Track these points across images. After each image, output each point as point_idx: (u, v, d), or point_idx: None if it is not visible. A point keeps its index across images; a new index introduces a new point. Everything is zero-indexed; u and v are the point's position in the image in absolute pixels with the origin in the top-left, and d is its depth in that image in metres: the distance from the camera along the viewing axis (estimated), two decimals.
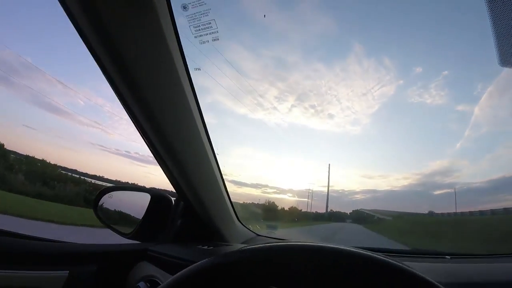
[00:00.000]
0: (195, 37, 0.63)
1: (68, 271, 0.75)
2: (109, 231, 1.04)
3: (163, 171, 0.77)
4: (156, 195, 0.98)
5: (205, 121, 0.76)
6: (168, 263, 0.79)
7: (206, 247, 0.84)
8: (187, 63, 0.62)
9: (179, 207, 0.94)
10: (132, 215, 1.06)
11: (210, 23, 0.62)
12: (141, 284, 0.78)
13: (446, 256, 1.10)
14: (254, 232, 1.24)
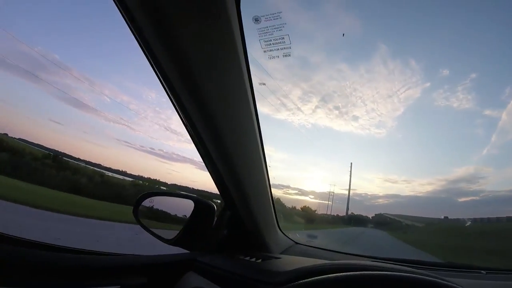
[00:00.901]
0: (265, 51, 0.60)
1: (119, 286, 0.75)
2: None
3: (214, 178, 0.76)
4: (200, 202, 0.97)
5: (261, 130, 0.74)
6: (218, 275, 0.78)
7: (254, 259, 0.81)
8: (251, 76, 0.60)
9: (225, 217, 0.92)
10: (173, 221, 1.06)
11: (283, 38, 0.59)
12: None
13: (482, 271, 1.07)
14: (293, 240, 1.22)
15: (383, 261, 1.11)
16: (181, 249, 1.00)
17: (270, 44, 0.61)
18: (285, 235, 1.16)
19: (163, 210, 1.11)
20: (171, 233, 1.04)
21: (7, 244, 0.68)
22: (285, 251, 1.05)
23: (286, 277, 0.62)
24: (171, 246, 1.01)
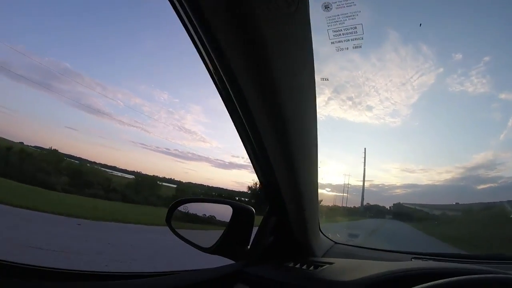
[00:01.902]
0: (332, 43, 0.54)
1: None
2: None
3: (262, 179, 0.70)
4: (238, 207, 0.92)
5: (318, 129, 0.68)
6: (269, 286, 0.72)
7: (305, 267, 0.75)
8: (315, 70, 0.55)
9: (270, 222, 0.86)
10: (210, 227, 1.02)
11: (355, 27, 0.53)
12: None
13: None
14: (333, 240, 1.17)
15: (425, 256, 1.07)
16: (222, 259, 0.95)
17: (340, 34, 0.54)
18: (326, 236, 1.11)
19: (200, 217, 1.07)
20: (207, 241, 0.99)
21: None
22: (327, 253, 0.99)
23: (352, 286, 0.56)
24: (209, 255, 0.97)
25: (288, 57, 0.48)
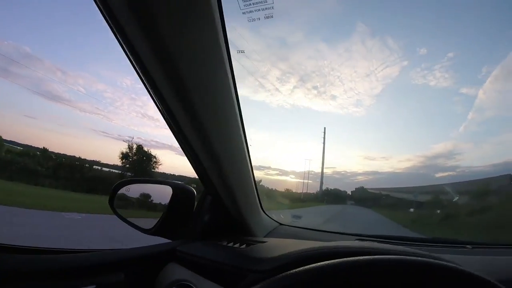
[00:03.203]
0: (244, 13, 0.52)
1: (95, 285, 0.70)
2: None
3: (191, 162, 0.68)
4: (178, 187, 0.90)
5: (241, 107, 0.66)
6: (200, 264, 0.72)
7: (238, 245, 0.75)
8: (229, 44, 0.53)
9: (206, 201, 0.85)
10: (153, 209, 0.99)
11: None
12: None
13: (467, 246, 1.07)
14: (277, 222, 1.18)
15: (369, 238, 1.10)
16: (162, 239, 0.94)
17: (250, 4, 0.52)
18: (269, 216, 1.12)
19: (141, 198, 1.04)
20: (151, 223, 0.97)
21: None
22: (269, 234, 1.00)
23: (272, 263, 0.57)
24: (151, 236, 0.95)
25: (193, 39, 0.45)
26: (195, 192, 0.89)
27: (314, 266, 0.45)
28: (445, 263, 0.44)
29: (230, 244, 0.76)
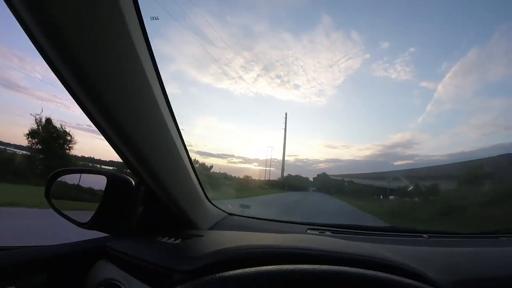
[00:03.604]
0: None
1: (14, 286, 0.62)
2: None
3: (114, 149, 0.61)
4: (114, 177, 0.82)
5: (165, 87, 0.59)
6: (129, 262, 0.66)
7: (173, 239, 0.70)
8: (142, 14, 0.47)
9: (140, 192, 0.79)
10: (90, 201, 0.91)
11: None
12: None
13: (424, 235, 1.07)
14: (226, 212, 1.14)
15: (321, 227, 1.08)
16: (99, 234, 0.87)
17: None
18: (216, 206, 1.07)
19: (78, 189, 0.95)
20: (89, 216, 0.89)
21: None
22: (216, 225, 0.96)
23: (196, 263, 0.53)
24: (88, 231, 0.88)
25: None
26: (133, 183, 0.82)
27: (232, 275, 0.43)
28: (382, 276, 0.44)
29: (165, 239, 0.71)
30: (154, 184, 0.66)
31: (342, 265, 0.46)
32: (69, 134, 12.96)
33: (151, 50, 0.53)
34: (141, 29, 0.49)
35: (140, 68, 0.48)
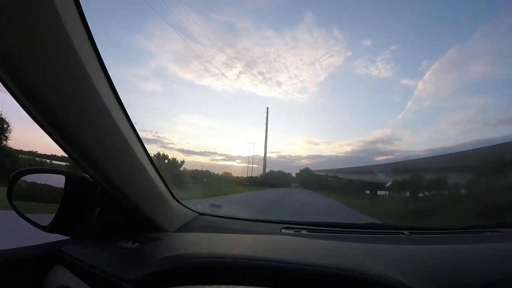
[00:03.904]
0: None
1: None
2: None
3: (60, 147, 0.55)
4: (72, 176, 0.76)
5: (109, 73, 0.53)
6: (82, 268, 0.61)
7: (131, 243, 0.64)
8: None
9: (97, 192, 0.73)
10: (51, 202, 0.85)
11: None
12: None
13: (405, 231, 1.03)
14: (197, 212, 1.08)
15: (297, 226, 1.03)
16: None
17: None
18: (186, 206, 1.01)
19: (40, 190, 0.89)
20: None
21: None
22: (184, 227, 0.89)
23: (144, 271, 0.48)
24: (51, 234, 0.82)
25: None
26: (91, 181, 0.76)
27: None
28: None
29: (123, 243, 0.65)
30: (107, 185, 0.60)
31: (311, 280, 0.43)
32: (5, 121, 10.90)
33: (95, 45, 0.49)
34: (83, 24, 0.45)
35: (80, 65, 0.43)
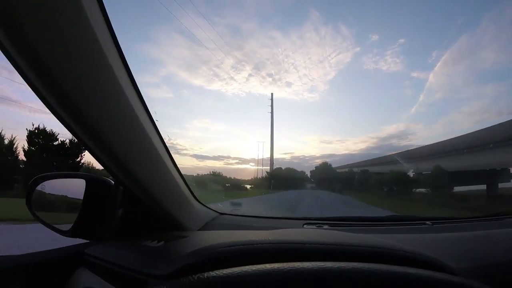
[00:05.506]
0: None
1: None
2: None
3: (88, 151, 0.56)
4: (92, 179, 0.77)
5: (135, 79, 0.55)
6: (107, 269, 0.61)
7: (155, 242, 0.64)
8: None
9: (118, 194, 0.73)
10: (70, 207, 0.86)
11: None
12: None
13: (427, 222, 1.03)
14: (217, 211, 1.08)
15: (318, 221, 1.02)
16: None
17: None
18: (206, 206, 1.01)
19: (59, 196, 0.90)
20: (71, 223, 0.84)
21: None
22: (206, 225, 0.89)
23: (171, 266, 0.47)
24: (71, 238, 0.82)
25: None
26: (112, 183, 0.76)
27: (212, 276, 0.37)
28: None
29: (147, 242, 0.65)
30: (132, 186, 0.61)
31: (344, 259, 0.40)
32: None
33: (121, 51, 0.50)
34: (110, 33, 0.47)
35: (110, 72, 0.45)
